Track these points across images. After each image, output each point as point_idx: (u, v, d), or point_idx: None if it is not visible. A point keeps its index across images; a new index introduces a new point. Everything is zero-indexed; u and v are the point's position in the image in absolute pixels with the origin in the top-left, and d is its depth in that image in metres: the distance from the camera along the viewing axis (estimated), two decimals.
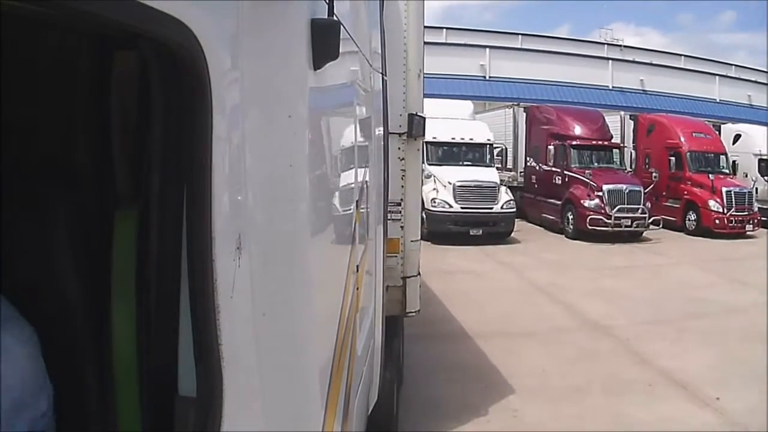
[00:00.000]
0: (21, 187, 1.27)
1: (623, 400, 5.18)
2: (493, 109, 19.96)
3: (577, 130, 15.29)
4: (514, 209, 13.66)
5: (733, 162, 16.77)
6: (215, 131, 0.96)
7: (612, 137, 16.02)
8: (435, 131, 13.64)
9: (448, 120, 14.21)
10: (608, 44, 27.71)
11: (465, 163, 13.90)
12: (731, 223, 14.72)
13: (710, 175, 15.22)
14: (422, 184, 13.44)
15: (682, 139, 15.91)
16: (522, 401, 5.12)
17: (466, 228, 12.98)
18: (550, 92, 23.30)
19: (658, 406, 5.09)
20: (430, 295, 8.26)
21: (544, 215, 15.45)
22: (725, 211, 14.70)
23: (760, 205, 15.77)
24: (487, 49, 24.53)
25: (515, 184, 16.67)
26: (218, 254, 0.98)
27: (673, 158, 15.74)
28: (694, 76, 26.57)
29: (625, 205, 13.78)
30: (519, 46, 25.52)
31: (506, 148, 16.57)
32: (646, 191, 14.27)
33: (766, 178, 17.09)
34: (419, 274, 4.97)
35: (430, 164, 13.48)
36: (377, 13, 3.30)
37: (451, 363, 5.94)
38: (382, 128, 3.45)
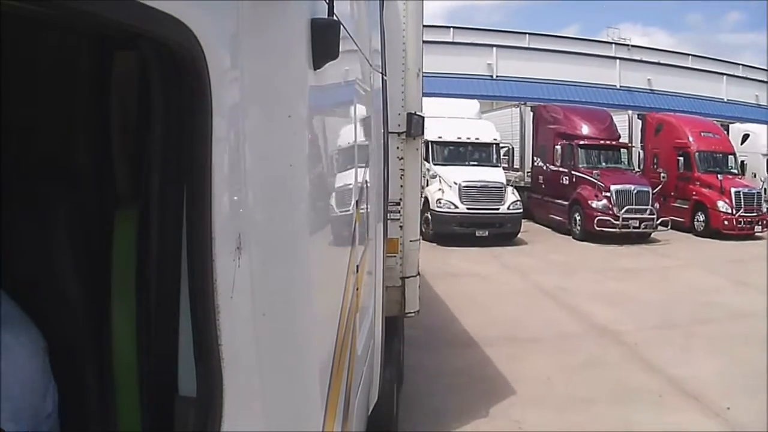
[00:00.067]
0: (21, 187, 1.27)
1: (630, 410, 5.05)
2: (500, 109, 19.78)
3: (585, 129, 15.12)
4: (521, 210, 13.47)
5: (742, 162, 16.61)
6: (215, 131, 0.96)
7: (620, 137, 15.85)
8: (440, 131, 13.57)
9: (454, 119, 14.10)
10: (616, 44, 27.57)
11: (471, 163, 13.72)
12: (740, 224, 14.55)
13: (719, 176, 15.03)
14: (427, 185, 13.27)
15: (691, 139, 15.72)
16: (525, 410, 5.00)
17: (472, 229, 12.80)
18: (558, 92, 23.23)
19: (667, 416, 4.96)
20: (435, 299, 8.18)
21: (551, 216, 15.29)
22: (734, 212, 14.53)
23: None
24: (494, 49, 24.48)
25: (522, 184, 16.50)
26: (218, 254, 0.98)
27: (681, 158, 15.56)
28: (701, 75, 26.49)
29: (633, 206, 13.62)
30: (526, 46, 25.49)
31: (513, 148, 16.37)
32: (654, 192, 14.07)
33: None
34: (419, 274, 4.94)
35: (435, 164, 13.41)
36: (377, 12, 3.30)
37: (453, 369, 5.84)
38: (382, 128, 3.45)
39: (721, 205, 14.65)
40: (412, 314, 4.89)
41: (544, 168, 15.94)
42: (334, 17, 1.29)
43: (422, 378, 5.53)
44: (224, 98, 0.98)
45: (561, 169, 15.05)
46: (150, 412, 1.15)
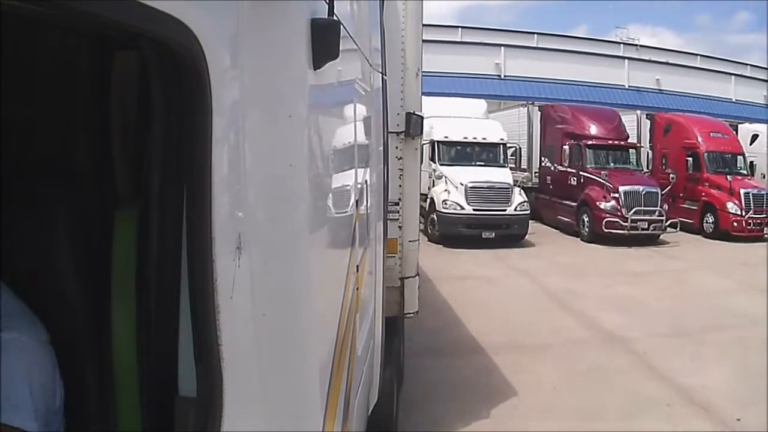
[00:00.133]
0: (21, 187, 1.27)
1: (638, 421, 4.91)
2: (507, 108, 19.53)
3: (593, 129, 14.85)
4: (529, 211, 13.20)
5: (751, 163, 16.38)
6: (215, 131, 0.96)
7: (628, 137, 15.58)
8: (447, 130, 13.37)
9: (461, 119, 13.88)
10: (624, 44, 27.52)
11: (478, 163, 13.41)
12: (749, 225, 14.29)
13: (728, 177, 14.79)
14: (433, 185, 13.03)
15: (700, 139, 15.46)
16: (529, 421, 4.86)
17: (478, 231, 12.51)
18: (566, 91, 23.18)
19: (675, 428, 4.83)
20: (440, 302, 8.06)
21: (559, 217, 14.94)
22: (743, 213, 14.29)
23: None
24: (503, 48, 24.46)
25: (530, 184, 16.22)
26: (218, 254, 0.98)
27: (690, 159, 15.29)
28: (709, 75, 26.44)
29: (642, 207, 13.36)
30: (534, 45, 25.45)
31: (520, 148, 15.98)
32: (663, 193, 13.79)
33: None
34: (418, 274, 4.90)
35: (441, 164, 13.19)
36: (377, 12, 3.30)
37: (456, 376, 5.68)
38: (382, 128, 3.45)
39: (731, 207, 14.42)
40: (412, 315, 4.86)
41: (552, 168, 15.67)
42: (334, 17, 1.29)
43: (424, 385, 5.40)
44: (224, 98, 0.98)
45: (569, 169, 14.78)
46: (150, 412, 1.15)
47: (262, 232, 1.10)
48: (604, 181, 13.72)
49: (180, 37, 0.89)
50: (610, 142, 14.75)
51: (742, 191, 14.52)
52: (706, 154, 15.27)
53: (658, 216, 13.50)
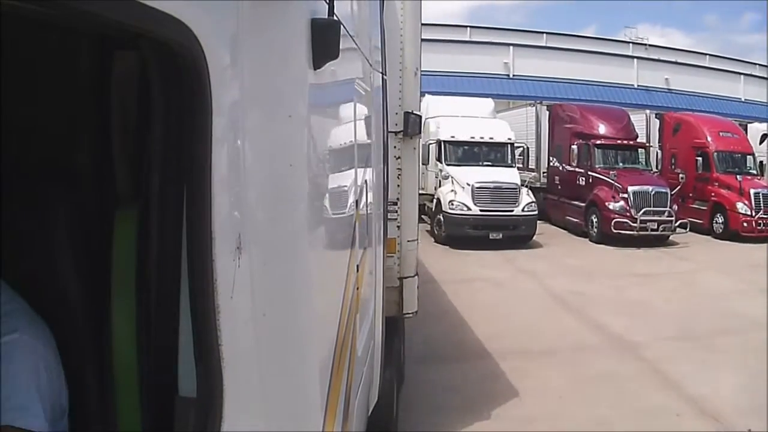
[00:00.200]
0: (21, 187, 1.27)
1: None
2: (515, 108, 19.38)
3: (602, 129, 14.65)
4: (536, 212, 13.02)
5: (761, 162, 16.22)
6: (215, 131, 0.96)
7: (637, 136, 15.22)
8: (453, 130, 13.23)
9: (467, 118, 13.74)
10: (633, 43, 27.52)
11: (485, 163, 13.23)
12: (759, 226, 14.10)
13: (738, 176, 14.55)
14: (440, 185, 12.93)
15: (709, 139, 15.27)
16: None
17: (485, 232, 12.35)
18: (575, 91, 23.19)
19: None
20: (445, 305, 7.98)
21: (567, 218, 14.85)
22: (753, 213, 14.12)
23: None
24: (511, 47, 24.47)
25: (538, 185, 15.97)
26: (218, 254, 0.98)
27: (700, 158, 15.06)
28: (718, 75, 26.51)
29: (651, 208, 13.18)
30: (543, 45, 25.42)
31: (528, 148, 15.86)
32: (672, 193, 13.61)
33: None
34: (417, 274, 4.89)
35: (448, 164, 13.06)
36: (377, 12, 3.30)
37: (460, 383, 5.55)
38: (382, 128, 3.45)
39: (740, 207, 14.24)
40: (411, 315, 4.84)
41: (560, 168, 15.47)
42: (334, 17, 1.29)
43: (426, 392, 5.28)
44: (224, 98, 0.98)
45: (577, 169, 14.55)
46: (150, 412, 1.15)
47: (262, 232, 1.10)
48: (612, 182, 13.53)
49: (180, 37, 0.89)
50: (619, 141, 14.55)
51: (752, 191, 14.34)
52: (715, 153, 15.08)
53: (667, 216, 13.31)
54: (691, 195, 15.12)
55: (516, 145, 14.17)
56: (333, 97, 1.71)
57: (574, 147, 14.78)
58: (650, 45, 27.69)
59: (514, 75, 24.36)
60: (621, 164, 14.24)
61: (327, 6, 1.27)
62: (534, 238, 13.05)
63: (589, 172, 14.23)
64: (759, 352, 6.31)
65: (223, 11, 0.99)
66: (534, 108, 17.40)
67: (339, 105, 1.88)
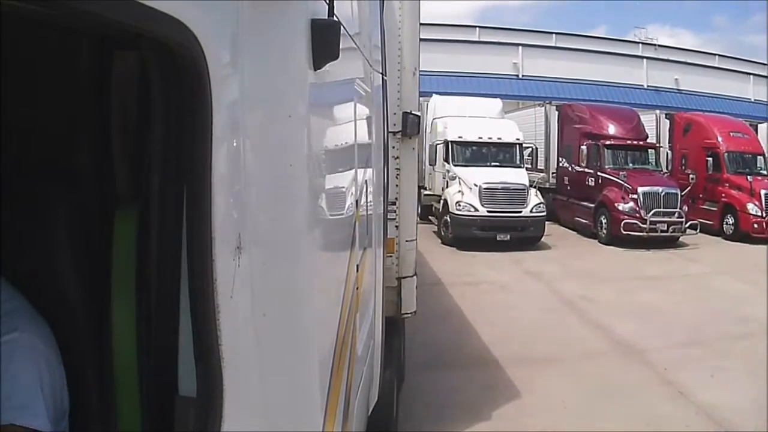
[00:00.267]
0: (21, 187, 1.27)
1: None
2: (524, 108, 19.19)
3: (611, 129, 14.45)
4: (545, 213, 12.80)
5: None
6: (215, 131, 0.96)
7: (647, 137, 15.11)
8: (461, 130, 13.11)
9: (475, 118, 13.57)
10: (643, 43, 27.44)
11: (492, 164, 13.04)
12: None
13: (748, 177, 14.35)
14: (447, 186, 12.86)
15: (720, 139, 15.07)
16: None
17: (493, 233, 12.14)
18: (584, 91, 23.13)
19: None
20: (449, 309, 7.87)
21: (576, 219, 14.62)
22: (764, 214, 13.91)
23: None
24: (520, 48, 24.42)
25: (546, 185, 15.77)
26: (218, 254, 0.98)
27: (710, 159, 14.85)
28: (727, 75, 26.43)
29: (661, 209, 12.95)
30: (553, 45, 25.37)
31: (536, 148, 15.46)
32: (682, 194, 13.38)
33: None
34: (415, 274, 4.86)
35: (455, 165, 12.93)
36: (377, 12, 3.30)
37: (460, 394, 5.33)
38: (382, 128, 3.45)
39: (751, 208, 14.04)
40: (409, 315, 4.81)
41: (569, 169, 15.26)
42: (334, 17, 1.29)
43: (427, 401, 5.13)
44: (224, 98, 0.98)
45: (586, 170, 14.37)
46: (150, 412, 1.15)
47: (262, 232, 1.10)
48: (622, 182, 13.34)
49: (180, 37, 0.89)
50: (628, 142, 14.36)
51: (762, 192, 14.15)
52: (726, 154, 14.88)
53: (677, 218, 13.11)
54: (701, 196, 14.92)
55: (524, 145, 13.94)
56: (333, 98, 1.71)
57: (584, 147, 14.58)
58: (659, 45, 27.61)
59: (523, 75, 24.32)
60: (631, 165, 14.04)
61: (327, 6, 1.27)
62: (542, 239, 12.88)
63: (599, 173, 14.04)
64: None
65: (223, 11, 0.99)
66: (543, 108, 17.18)
67: (339, 105, 1.88)
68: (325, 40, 1.23)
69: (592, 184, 14.25)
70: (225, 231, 1.00)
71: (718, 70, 26.85)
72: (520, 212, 12.37)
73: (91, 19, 0.87)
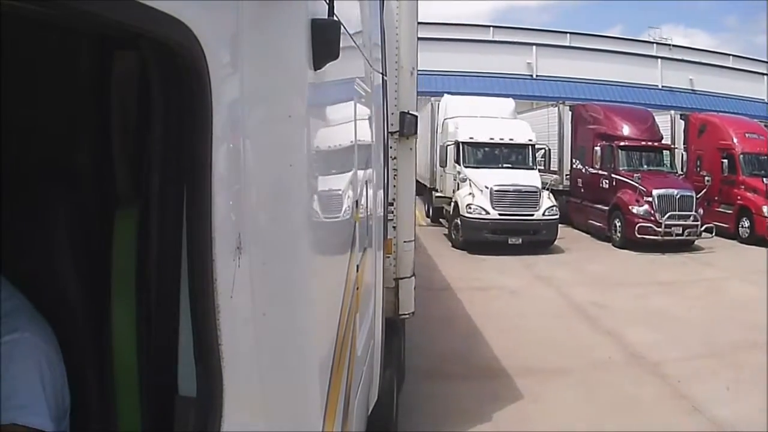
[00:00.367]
0: (21, 187, 1.27)
1: None
2: (538, 108, 18.91)
3: (626, 129, 14.09)
4: (557, 216, 12.46)
5: None
6: (215, 131, 0.96)
7: (662, 138, 14.73)
8: (472, 131, 12.84)
9: (487, 119, 13.32)
10: (657, 43, 27.33)
11: (504, 165, 12.68)
12: None
13: (764, 179, 14.03)
14: (458, 188, 12.72)
15: (735, 140, 14.69)
16: None
17: (504, 236, 11.83)
18: (598, 91, 23.04)
19: None
20: (456, 316, 7.71)
21: (590, 221, 14.32)
22: None
23: None
24: (534, 47, 24.33)
25: (560, 187, 15.44)
26: (218, 254, 0.98)
27: (725, 160, 14.55)
28: (742, 75, 26.34)
29: (677, 212, 12.61)
30: (567, 44, 25.28)
31: (549, 149, 14.92)
32: (698, 196, 13.08)
33: None
34: (414, 275, 4.82)
35: (466, 167, 12.62)
36: (377, 12, 3.30)
37: (460, 409, 5.09)
38: (382, 128, 3.45)
39: (767, 210, 13.77)
40: (407, 316, 4.78)
41: (583, 171, 14.94)
42: (334, 17, 1.29)
43: (428, 411, 4.97)
44: (224, 98, 0.98)
45: (600, 171, 14.04)
46: (150, 412, 1.15)
47: (262, 232, 1.10)
48: (636, 184, 12.98)
49: (180, 37, 0.89)
50: (643, 143, 13.99)
51: None
52: (741, 155, 14.60)
53: (693, 221, 12.78)
54: (716, 198, 14.64)
55: (537, 146, 13.60)
56: (333, 97, 1.71)
57: (598, 148, 14.31)
58: (674, 45, 27.49)
59: (537, 75, 24.23)
60: (645, 166, 13.72)
61: (327, 6, 1.27)
62: (555, 242, 12.60)
63: (613, 175, 13.65)
64: None
65: (223, 11, 0.99)
66: (556, 108, 16.73)
67: (339, 105, 1.88)
68: (325, 39, 1.23)
69: (605, 186, 13.95)
70: (225, 231, 1.00)
71: (732, 70, 26.75)
72: (533, 215, 12.08)
73: (91, 19, 0.87)
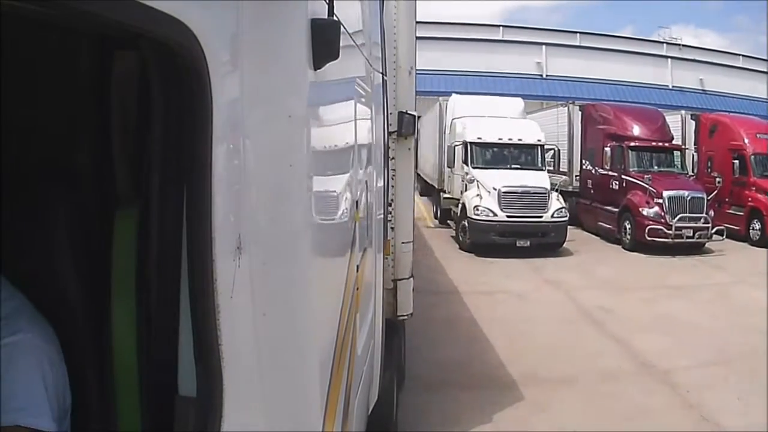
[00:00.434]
0: (21, 187, 1.27)
1: None
2: (547, 108, 18.60)
3: (636, 130, 13.80)
4: (566, 218, 12.22)
5: None
6: (215, 131, 0.96)
7: (673, 138, 14.42)
8: (480, 131, 12.60)
9: (495, 119, 13.06)
10: (667, 43, 27.24)
11: (513, 166, 12.41)
12: None
13: None
14: (465, 189, 12.57)
15: (746, 141, 14.38)
16: None
17: (512, 239, 11.60)
18: (608, 91, 22.98)
19: None
20: (462, 321, 7.59)
21: (600, 223, 14.06)
22: None
23: None
24: (544, 47, 24.26)
25: (570, 189, 15.19)
26: (218, 254, 0.98)
27: (736, 161, 14.27)
28: (752, 75, 26.25)
29: (687, 214, 12.30)
30: (577, 44, 25.20)
31: (559, 150, 14.64)
32: (709, 198, 12.78)
33: None
34: (412, 276, 4.80)
35: (474, 168, 12.36)
36: (377, 12, 3.30)
37: (464, 417, 4.97)
38: (382, 128, 3.45)
39: None
40: (405, 317, 4.77)
41: (593, 172, 14.65)
42: (334, 17, 1.29)
43: (428, 420, 4.86)
44: (224, 98, 0.98)
45: (610, 172, 13.77)
46: (150, 412, 1.15)
47: (262, 232, 1.10)
48: (647, 186, 12.70)
49: (180, 37, 0.89)
50: (653, 143, 13.71)
51: None
52: (752, 156, 14.34)
53: (703, 223, 12.48)
54: (727, 200, 14.39)
55: (546, 147, 13.29)
56: (333, 97, 1.71)
57: (607, 149, 13.97)
58: (684, 45, 27.37)
59: (546, 75, 24.15)
60: (656, 167, 13.47)
61: (327, 6, 1.27)
62: (564, 245, 12.36)
63: (623, 176, 13.39)
64: None
65: (223, 11, 0.99)
66: (566, 108, 16.43)
67: (339, 105, 1.88)
68: (325, 39, 1.23)
69: (615, 187, 13.70)
70: (225, 231, 1.00)
71: (742, 70, 26.68)
72: (541, 217, 11.83)
73: (91, 19, 0.87)
